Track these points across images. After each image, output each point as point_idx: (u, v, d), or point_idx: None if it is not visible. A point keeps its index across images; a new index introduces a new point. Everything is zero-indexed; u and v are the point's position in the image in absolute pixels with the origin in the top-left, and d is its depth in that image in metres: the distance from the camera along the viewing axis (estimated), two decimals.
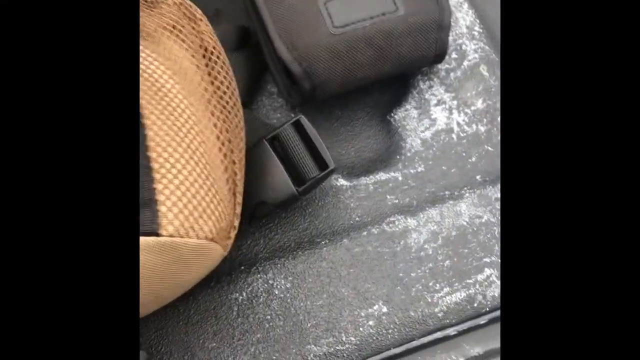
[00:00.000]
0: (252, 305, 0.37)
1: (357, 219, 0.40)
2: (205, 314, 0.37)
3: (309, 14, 0.38)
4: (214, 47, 0.36)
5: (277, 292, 0.37)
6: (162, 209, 0.28)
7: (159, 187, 0.29)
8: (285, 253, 0.39)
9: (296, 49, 0.38)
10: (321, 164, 0.36)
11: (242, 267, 0.38)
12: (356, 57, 0.38)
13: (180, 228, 0.29)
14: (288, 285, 0.38)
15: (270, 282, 0.38)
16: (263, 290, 0.38)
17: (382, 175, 0.41)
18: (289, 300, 0.37)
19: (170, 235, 0.28)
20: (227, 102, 0.35)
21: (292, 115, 0.43)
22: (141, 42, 0.35)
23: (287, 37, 0.38)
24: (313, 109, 0.43)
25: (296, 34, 0.38)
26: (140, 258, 0.28)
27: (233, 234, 0.33)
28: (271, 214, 0.39)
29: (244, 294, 0.37)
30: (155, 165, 0.29)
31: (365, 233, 0.39)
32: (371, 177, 0.41)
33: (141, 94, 0.32)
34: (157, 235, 0.28)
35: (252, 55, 0.44)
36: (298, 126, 0.37)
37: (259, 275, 0.38)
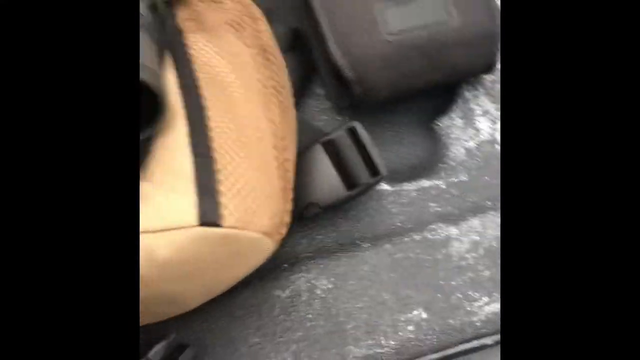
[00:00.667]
0: (294, 304, 0.38)
1: (399, 224, 0.41)
2: (249, 310, 0.37)
3: (364, 19, 0.38)
4: (271, 47, 0.37)
5: (318, 292, 0.38)
6: (223, 200, 0.29)
7: (220, 178, 0.30)
8: (328, 254, 0.39)
9: (350, 54, 0.38)
10: (373, 169, 0.37)
11: (285, 266, 0.39)
12: (408, 65, 0.39)
13: (239, 220, 0.29)
14: (330, 286, 0.38)
15: (313, 281, 0.38)
16: (305, 289, 0.38)
17: (424, 183, 0.42)
18: (330, 300, 0.38)
19: (231, 227, 0.29)
20: (282, 102, 0.36)
21: (339, 118, 0.44)
22: (204, 35, 0.35)
23: (342, 41, 0.38)
24: (359, 112, 0.44)
25: (351, 39, 0.38)
26: (199, 248, 0.29)
27: (284, 230, 0.33)
28: (319, 215, 0.39)
29: (287, 292, 0.38)
30: (216, 156, 0.30)
31: (407, 239, 0.40)
32: (414, 183, 0.42)
33: (204, 85, 0.33)
34: (218, 226, 0.29)
35: (302, 57, 0.44)
36: (352, 131, 0.37)
37: (301, 275, 0.39)
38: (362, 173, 0.37)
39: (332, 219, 0.41)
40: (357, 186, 0.37)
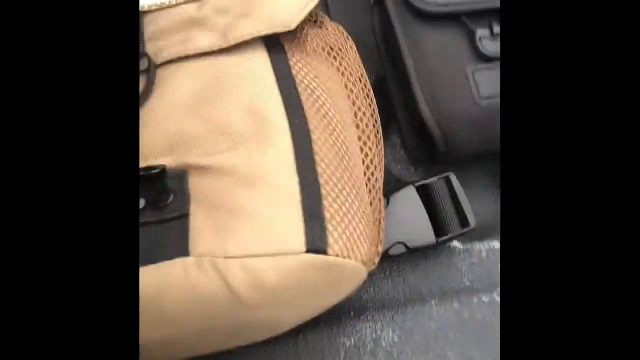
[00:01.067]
0: (360, 354, 0.38)
1: (468, 283, 0.41)
2: (313, 355, 0.38)
3: (456, 79, 0.39)
4: (362, 76, 0.38)
5: (384, 344, 0.38)
6: (329, 227, 0.29)
7: (325, 203, 0.29)
8: (395, 306, 0.39)
9: (439, 112, 0.39)
10: (462, 221, 0.38)
11: (351, 313, 0.39)
12: (496, 129, 0.39)
13: (344, 248, 0.29)
14: (396, 339, 0.38)
15: (378, 332, 0.38)
16: (371, 340, 0.38)
17: (496, 244, 0.42)
18: (395, 354, 0.38)
19: (336, 255, 0.29)
20: (371, 132, 0.36)
21: (412, 169, 0.44)
22: (304, 57, 0.36)
23: (432, 99, 0.39)
24: (434, 166, 0.44)
25: (441, 97, 0.39)
26: (305, 275, 0.28)
27: (377, 260, 0.33)
28: (403, 256, 0.40)
29: (352, 340, 0.38)
30: (321, 181, 0.30)
31: (475, 300, 0.40)
32: (485, 243, 0.42)
33: (306, 108, 0.33)
34: (325, 253, 0.28)
35: (381, 104, 0.45)
36: (446, 181, 0.39)
37: (367, 324, 0.39)
38: (453, 223, 0.38)
39: (401, 271, 0.41)
40: (445, 234, 0.37)
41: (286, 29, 0.34)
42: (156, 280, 0.27)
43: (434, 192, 0.39)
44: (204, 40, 0.34)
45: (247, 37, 0.34)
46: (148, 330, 0.29)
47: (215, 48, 0.34)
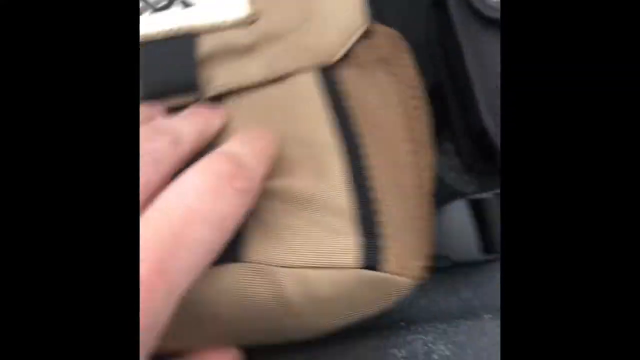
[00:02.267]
0: None
1: None
2: None
3: None
4: (414, 83, 0.37)
5: (436, 357, 0.37)
6: (384, 243, 0.29)
7: (380, 219, 0.29)
8: (447, 319, 0.39)
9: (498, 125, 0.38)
10: None
11: (402, 324, 0.38)
12: None
13: (398, 266, 0.29)
14: (447, 353, 0.37)
15: (430, 345, 0.38)
16: (422, 352, 0.37)
17: None
18: None
19: (390, 272, 0.29)
20: (423, 141, 0.35)
21: (467, 177, 0.43)
22: (356, 70, 0.35)
23: (493, 108, 0.38)
24: (488, 174, 0.43)
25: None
26: (357, 289, 0.28)
27: (426, 276, 0.32)
28: (454, 269, 0.39)
29: (403, 352, 0.37)
30: (377, 196, 0.30)
31: None
32: None
33: (358, 122, 0.32)
34: (379, 270, 0.28)
35: (435, 110, 0.44)
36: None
37: (418, 336, 0.38)
38: None
39: (454, 283, 0.40)
40: (494, 252, 0.36)
41: (330, 60, 0.34)
42: (212, 283, 0.27)
43: (487, 208, 0.37)
44: (256, 72, 0.33)
45: (290, 70, 0.33)
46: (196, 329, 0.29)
47: (266, 80, 0.33)
